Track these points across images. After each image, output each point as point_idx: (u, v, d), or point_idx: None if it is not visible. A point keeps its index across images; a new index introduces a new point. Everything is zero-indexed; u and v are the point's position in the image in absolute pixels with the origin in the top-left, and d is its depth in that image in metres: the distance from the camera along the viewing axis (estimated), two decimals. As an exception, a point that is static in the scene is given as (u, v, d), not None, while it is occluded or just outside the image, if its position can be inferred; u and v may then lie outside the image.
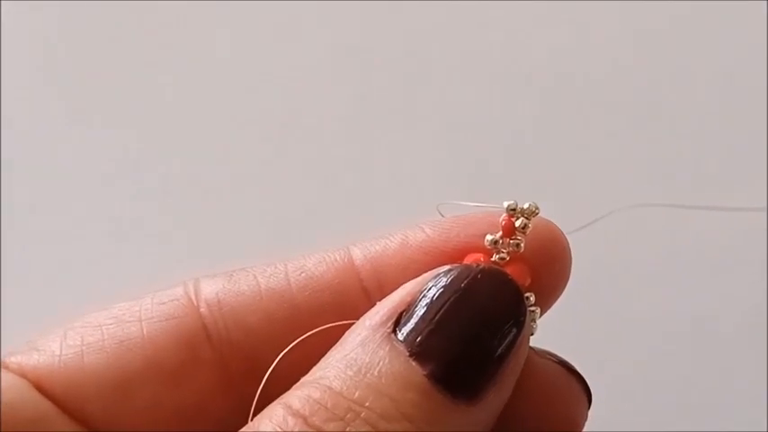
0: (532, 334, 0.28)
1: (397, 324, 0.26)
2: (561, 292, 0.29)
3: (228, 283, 0.29)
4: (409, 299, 0.26)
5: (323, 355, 0.27)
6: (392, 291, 0.28)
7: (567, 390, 0.29)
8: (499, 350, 0.26)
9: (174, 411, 0.28)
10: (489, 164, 0.58)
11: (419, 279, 0.27)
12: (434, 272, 0.27)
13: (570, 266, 0.29)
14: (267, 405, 0.26)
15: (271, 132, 0.59)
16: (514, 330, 0.26)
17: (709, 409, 0.53)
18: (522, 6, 0.60)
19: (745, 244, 0.55)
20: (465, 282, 0.26)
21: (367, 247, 0.29)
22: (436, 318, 0.26)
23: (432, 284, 0.26)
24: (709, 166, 0.57)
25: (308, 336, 0.28)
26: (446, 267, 0.27)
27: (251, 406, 0.27)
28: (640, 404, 0.54)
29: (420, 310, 0.26)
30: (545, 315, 0.29)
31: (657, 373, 0.54)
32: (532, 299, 0.28)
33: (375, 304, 0.28)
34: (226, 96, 0.59)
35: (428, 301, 0.26)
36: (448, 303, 0.26)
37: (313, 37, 0.61)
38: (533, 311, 0.28)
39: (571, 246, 0.29)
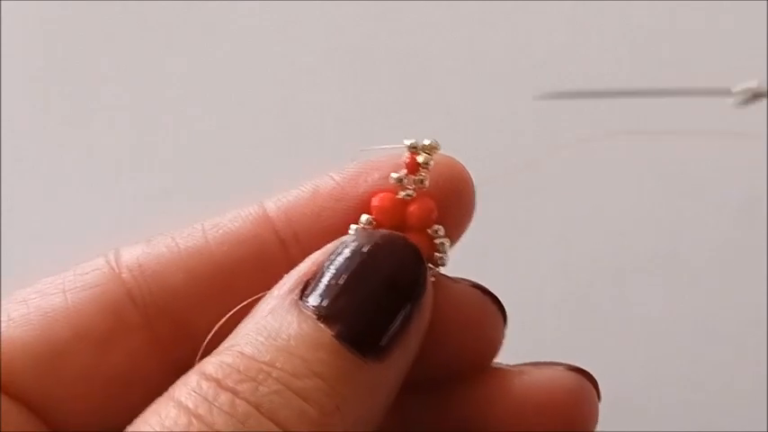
0: (444, 264, 0.29)
1: (305, 292, 0.27)
2: (468, 223, 0.30)
3: (148, 248, 0.30)
4: (315, 268, 0.27)
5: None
6: (307, 239, 0.29)
7: (483, 310, 0.30)
8: (403, 310, 0.27)
9: (106, 378, 0.29)
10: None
11: (323, 249, 0.28)
12: (338, 241, 0.28)
13: (474, 197, 0.30)
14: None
15: (272, 132, 0.59)
16: (417, 291, 0.27)
17: (708, 409, 0.52)
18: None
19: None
20: (367, 247, 0.27)
21: (280, 198, 0.30)
22: (341, 282, 0.27)
23: (336, 252, 0.27)
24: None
25: (239, 307, 0.28)
26: (348, 237, 0.28)
27: (181, 367, 0.28)
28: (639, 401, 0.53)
29: (326, 277, 0.27)
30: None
31: (652, 368, 0.54)
32: (441, 231, 0.29)
33: (291, 253, 0.29)
34: (227, 96, 0.60)
35: (333, 267, 0.27)
36: (351, 268, 0.27)
37: (311, 36, 0.61)
38: (443, 243, 0.29)
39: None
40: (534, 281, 0.55)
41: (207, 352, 0.27)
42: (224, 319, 0.28)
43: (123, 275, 0.29)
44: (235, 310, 0.28)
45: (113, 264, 0.30)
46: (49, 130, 0.60)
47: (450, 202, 0.29)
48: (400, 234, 0.28)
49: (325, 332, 0.26)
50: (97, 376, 0.29)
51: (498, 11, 0.61)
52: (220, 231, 0.30)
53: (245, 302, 0.28)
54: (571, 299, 0.55)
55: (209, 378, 0.25)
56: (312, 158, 0.57)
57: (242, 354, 0.26)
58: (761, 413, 0.50)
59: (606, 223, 0.56)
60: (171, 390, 0.26)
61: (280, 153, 0.59)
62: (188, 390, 0.25)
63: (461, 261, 0.30)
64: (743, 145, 0.48)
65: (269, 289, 0.28)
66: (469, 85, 0.61)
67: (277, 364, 0.25)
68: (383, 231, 0.28)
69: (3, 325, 0.29)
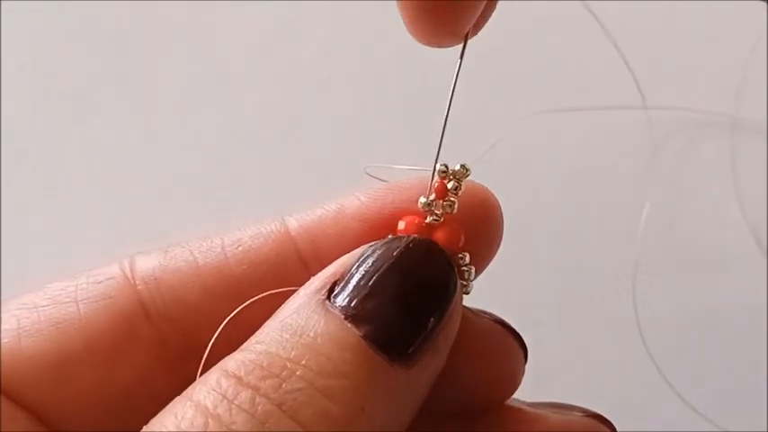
0: (468, 293, 0.29)
1: (332, 293, 0.26)
2: (495, 252, 0.29)
3: (165, 260, 0.29)
4: (343, 270, 0.27)
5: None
6: (330, 259, 0.28)
7: (504, 346, 0.30)
8: (433, 315, 0.26)
9: (114, 390, 0.28)
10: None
11: (353, 252, 0.27)
12: (368, 244, 0.27)
13: (502, 226, 0.29)
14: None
15: (272, 131, 0.58)
16: (446, 297, 0.27)
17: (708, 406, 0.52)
18: None
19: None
20: (397, 251, 0.27)
21: (303, 217, 0.29)
22: (370, 283, 0.26)
23: (365, 254, 0.27)
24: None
25: (249, 303, 0.28)
26: (380, 241, 0.27)
27: (192, 381, 0.27)
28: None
29: (354, 278, 0.26)
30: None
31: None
32: (467, 258, 0.28)
33: (313, 274, 0.28)
34: (226, 95, 0.59)
35: (362, 269, 0.26)
36: (381, 270, 0.26)
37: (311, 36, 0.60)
38: (468, 270, 0.28)
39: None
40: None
41: (209, 364, 0.26)
42: (228, 318, 0.28)
43: (138, 287, 0.29)
44: (241, 307, 0.28)
45: (128, 273, 0.29)
46: (48, 130, 0.59)
47: (478, 229, 0.29)
48: (431, 240, 0.28)
49: (353, 332, 0.25)
50: (105, 389, 0.28)
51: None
52: (240, 248, 0.29)
53: (249, 300, 0.28)
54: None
55: (230, 375, 0.24)
56: (313, 159, 0.57)
57: (266, 350, 0.25)
58: (761, 413, 0.51)
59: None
60: (190, 389, 0.25)
61: (281, 152, 0.58)
62: (207, 388, 0.24)
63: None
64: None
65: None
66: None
67: (302, 362, 0.24)
68: (414, 236, 0.27)
69: (14, 332, 0.28)
